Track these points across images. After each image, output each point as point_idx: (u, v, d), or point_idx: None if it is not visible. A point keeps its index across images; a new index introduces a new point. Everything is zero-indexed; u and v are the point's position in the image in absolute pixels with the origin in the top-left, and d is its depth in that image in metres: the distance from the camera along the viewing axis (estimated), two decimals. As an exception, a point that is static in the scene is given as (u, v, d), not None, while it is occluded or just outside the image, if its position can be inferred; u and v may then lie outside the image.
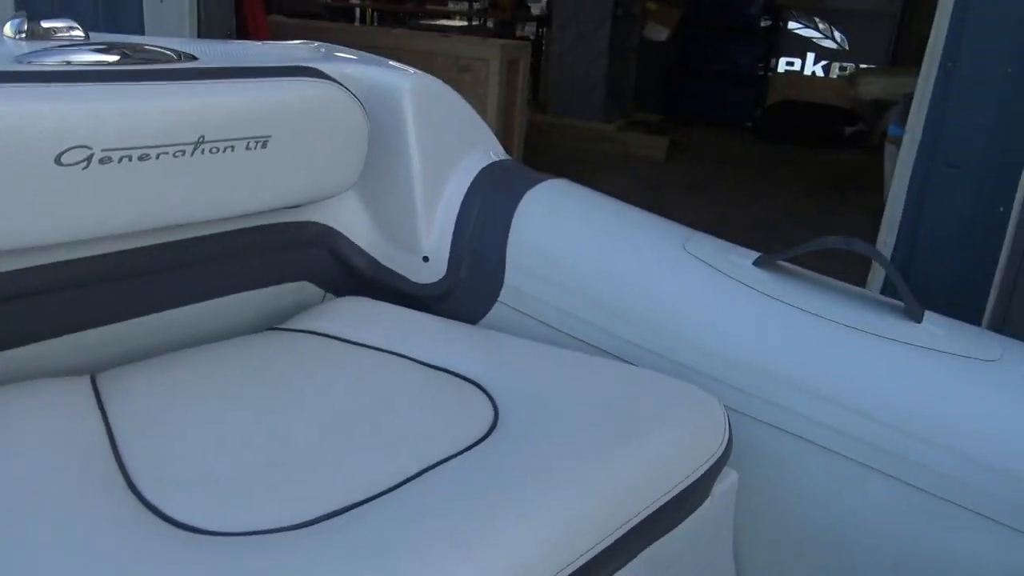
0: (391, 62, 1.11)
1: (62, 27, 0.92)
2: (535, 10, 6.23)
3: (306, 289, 1.03)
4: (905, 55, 5.26)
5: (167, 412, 0.73)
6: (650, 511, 0.74)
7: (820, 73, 5.67)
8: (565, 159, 4.23)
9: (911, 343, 0.94)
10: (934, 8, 1.77)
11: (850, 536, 0.92)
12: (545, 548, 0.64)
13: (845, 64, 5.59)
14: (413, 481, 0.68)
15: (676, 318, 0.99)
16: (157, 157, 0.77)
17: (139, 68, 0.83)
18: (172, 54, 0.90)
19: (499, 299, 1.03)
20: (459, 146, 1.08)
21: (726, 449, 0.84)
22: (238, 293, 0.96)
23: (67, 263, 0.82)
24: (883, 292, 1.12)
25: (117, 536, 0.58)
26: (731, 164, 4.49)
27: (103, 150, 0.74)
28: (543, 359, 0.88)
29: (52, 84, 0.73)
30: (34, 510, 0.59)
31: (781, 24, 5.68)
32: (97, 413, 0.71)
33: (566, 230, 1.05)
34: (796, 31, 5.66)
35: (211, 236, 0.92)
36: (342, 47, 1.17)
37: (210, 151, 0.81)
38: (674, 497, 0.77)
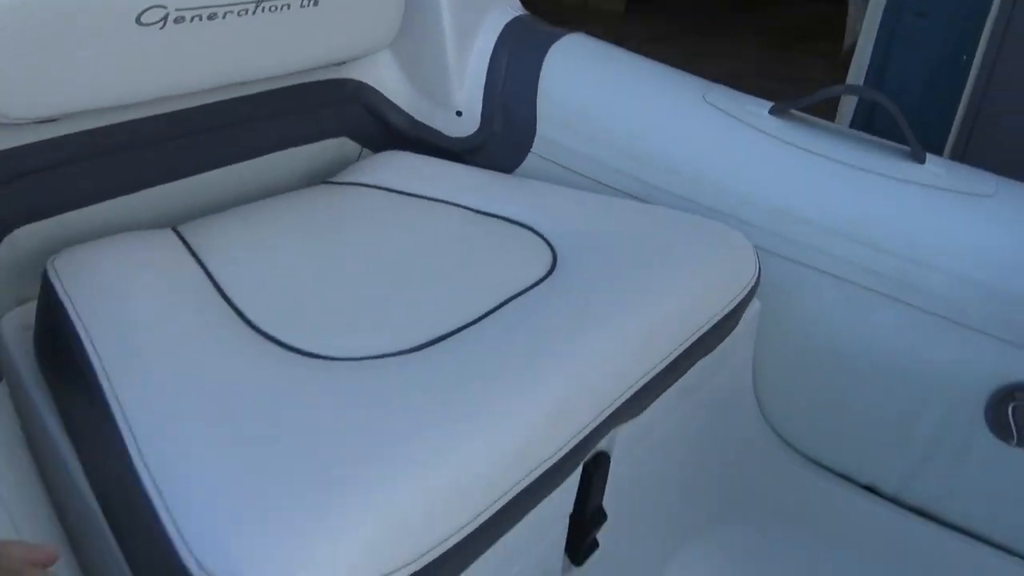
0: None
1: None
2: None
3: (346, 145, 1.06)
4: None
5: (258, 257, 0.78)
6: (694, 339, 0.83)
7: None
8: (521, 13, 4.14)
9: (916, 182, 1.02)
10: None
11: (857, 354, 1.03)
12: (611, 367, 0.72)
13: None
14: (495, 313, 0.75)
15: (699, 163, 1.06)
16: (224, 16, 0.79)
17: None
18: None
19: (531, 150, 1.08)
20: (484, 1, 1.10)
21: (756, 281, 0.93)
22: (286, 149, 0.99)
23: (139, 121, 0.84)
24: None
25: (248, 365, 0.64)
26: (695, 15, 4.46)
27: (177, 10, 0.75)
28: (586, 204, 0.95)
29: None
30: (164, 348, 0.65)
31: None
32: (192, 260, 0.76)
33: (592, 82, 1.09)
34: None
35: (261, 94, 0.94)
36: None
37: (269, 9, 0.83)
38: (713, 326, 0.86)
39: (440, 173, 0.99)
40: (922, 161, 1.06)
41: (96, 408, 0.60)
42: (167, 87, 0.79)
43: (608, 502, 0.82)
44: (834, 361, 1.05)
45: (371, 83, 1.06)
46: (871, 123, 2.10)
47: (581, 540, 0.79)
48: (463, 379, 0.65)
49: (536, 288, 0.79)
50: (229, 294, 0.73)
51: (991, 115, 2.00)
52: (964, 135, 2.04)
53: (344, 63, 1.03)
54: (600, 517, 0.80)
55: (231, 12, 0.79)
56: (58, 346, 0.67)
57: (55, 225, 0.81)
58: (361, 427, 0.58)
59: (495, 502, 0.59)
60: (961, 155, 2.02)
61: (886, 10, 2.16)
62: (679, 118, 1.08)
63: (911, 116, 1.09)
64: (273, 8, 0.83)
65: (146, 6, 0.73)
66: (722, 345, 0.93)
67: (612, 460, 0.79)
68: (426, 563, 0.53)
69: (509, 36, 1.10)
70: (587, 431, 0.68)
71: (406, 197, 0.94)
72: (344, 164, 1.07)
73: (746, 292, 0.91)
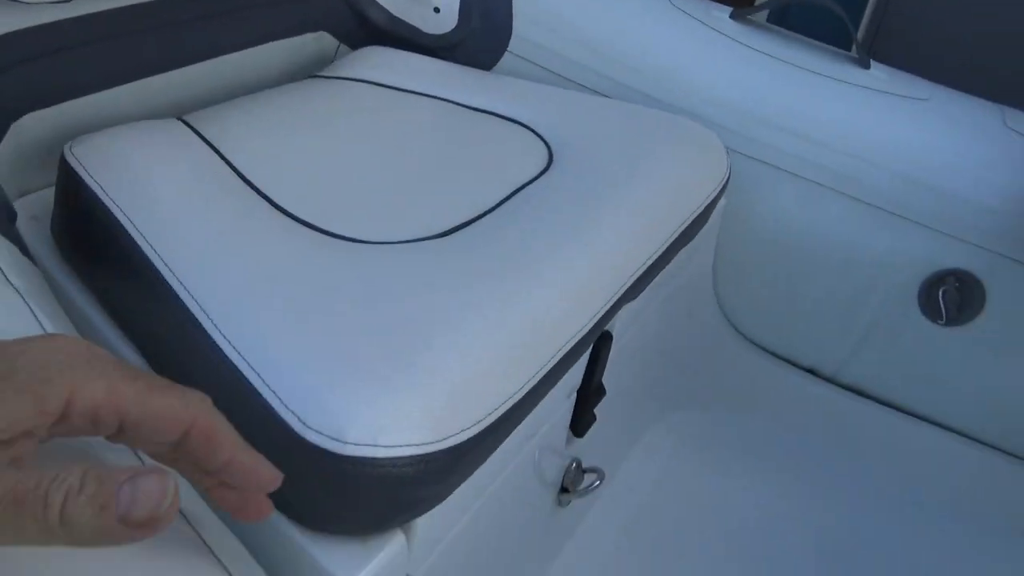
0: None
1: None
2: None
3: (324, 40, 1.05)
4: None
5: (273, 145, 0.79)
6: (682, 229, 0.89)
7: None
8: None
9: (863, 85, 1.11)
10: None
11: (806, 247, 1.12)
12: (621, 252, 0.78)
13: None
14: (508, 202, 0.79)
15: (666, 64, 1.11)
16: None
17: None
18: None
19: (509, 49, 1.10)
20: None
21: (728, 178, 1.00)
22: (268, 43, 0.97)
23: (139, 7, 0.81)
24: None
25: (293, 246, 0.66)
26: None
27: None
28: (573, 102, 0.99)
29: None
30: (208, 230, 0.65)
31: None
32: (208, 148, 0.76)
33: None
34: None
35: None
36: None
37: None
38: (696, 218, 0.92)
39: (427, 69, 1.00)
40: (867, 67, 1.15)
41: (155, 293, 0.60)
42: None
43: (605, 379, 0.88)
44: (786, 254, 1.14)
45: (349, -24, 1.05)
46: (811, 28, 2.21)
47: (584, 413, 0.86)
48: (500, 259, 0.69)
49: (540, 180, 0.83)
50: (255, 182, 0.73)
51: (897, 12, 2.12)
52: (871, 32, 2.16)
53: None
54: (601, 392, 0.87)
55: None
56: (91, 233, 0.66)
57: (58, 114, 0.78)
58: (422, 299, 0.61)
59: (539, 371, 0.64)
60: (869, 50, 2.15)
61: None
62: (648, 20, 1.12)
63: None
64: None
65: None
66: (697, 238, 1.00)
67: (613, 339, 0.85)
68: (490, 423, 0.58)
69: None
70: (605, 309, 0.73)
71: (399, 92, 0.95)
72: (322, 60, 1.06)
73: (720, 187, 0.97)
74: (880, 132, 1.09)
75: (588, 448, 0.94)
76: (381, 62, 0.99)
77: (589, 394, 0.84)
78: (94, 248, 0.67)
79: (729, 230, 1.13)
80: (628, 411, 1.10)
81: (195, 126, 0.79)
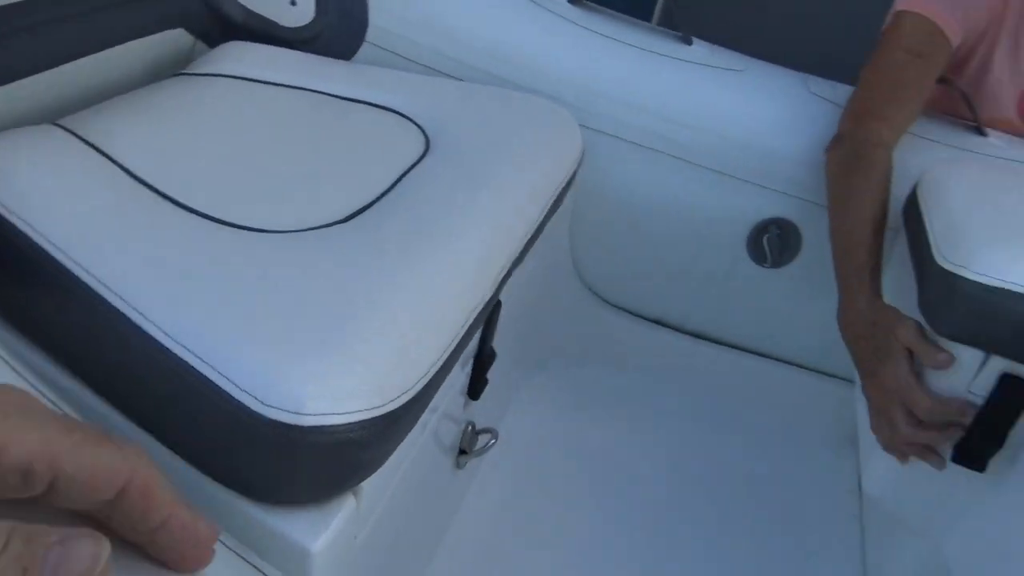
0: None
1: None
2: None
3: (181, 37, 1.05)
4: None
5: (160, 146, 0.80)
6: (552, 200, 0.98)
7: None
8: None
9: (689, 60, 1.24)
10: None
11: (651, 210, 1.25)
12: (508, 223, 0.86)
13: None
14: (397, 186, 0.84)
15: (517, 48, 1.19)
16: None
17: None
18: None
19: (366, 39, 1.14)
20: None
21: (583, 152, 1.10)
22: (126, 43, 0.97)
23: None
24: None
25: (208, 245, 0.68)
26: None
27: None
28: (441, 88, 1.05)
29: None
30: (119, 241, 0.66)
31: None
32: (92, 149, 0.76)
33: None
34: None
35: None
36: None
37: None
38: (561, 190, 1.02)
39: (292, 61, 1.02)
40: (690, 43, 1.28)
41: (81, 303, 0.60)
42: None
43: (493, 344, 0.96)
44: (630, 217, 1.26)
45: (202, -29, 1.05)
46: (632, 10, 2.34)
47: (479, 377, 0.93)
48: (405, 238, 0.74)
49: (422, 164, 0.89)
50: (149, 180, 0.74)
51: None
52: (668, 6, 2.34)
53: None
54: (492, 356, 0.94)
55: None
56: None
57: None
58: (346, 278, 0.66)
59: (456, 336, 0.71)
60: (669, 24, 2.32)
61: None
62: (497, 7, 1.20)
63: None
64: None
65: None
66: (562, 207, 1.09)
67: (502, 306, 0.93)
68: (424, 384, 0.65)
69: None
70: (501, 276, 0.81)
71: (270, 86, 0.97)
72: (179, 57, 1.06)
73: (579, 161, 1.07)
74: (706, 101, 1.22)
75: (481, 410, 1.02)
76: (246, 57, 1.00)
77: (483, 359, 0.92)
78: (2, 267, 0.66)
79: (579, 199, 1.24)
80: (510, 371, 1.19)
81: (75, 131, 0.78)
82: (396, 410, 0.61)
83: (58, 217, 0.66)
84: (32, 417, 0.32)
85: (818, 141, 1.20)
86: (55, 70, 0.89)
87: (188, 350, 0.58)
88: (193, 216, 0.71)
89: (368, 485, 0.64)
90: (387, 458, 0.65)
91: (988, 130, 1.26)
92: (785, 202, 1.22)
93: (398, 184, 0.84)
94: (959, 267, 0.82)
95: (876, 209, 1.02)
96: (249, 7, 1.09)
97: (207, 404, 0.56)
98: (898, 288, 1.01)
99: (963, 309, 0.82)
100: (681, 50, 1.26)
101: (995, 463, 0.86)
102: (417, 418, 0.68)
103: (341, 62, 1.07)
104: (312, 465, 0.58)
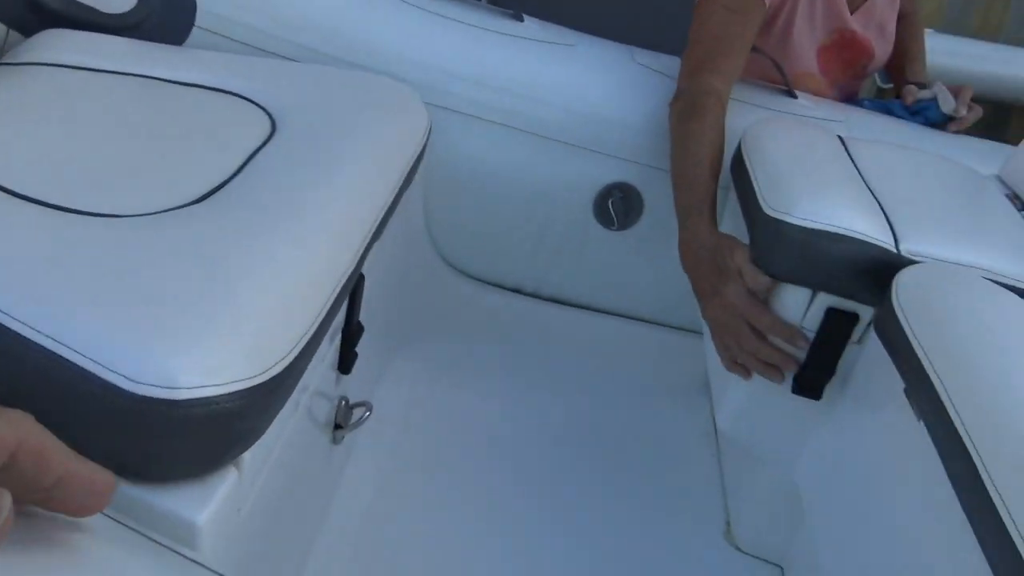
0: None
1: None
2: None
3: (-6, 27, 0.99)
4: None
5: None
6: (404, 176, 0.99)
7: None
8: None
9: (523, 36, 1.29)
10: None
11: (501, 182, 1.29)
12: (364, 198, 0.86)
13: None
14: (246, 167, 0.83)
15: (357, 29, 1.20)
16: None
17: None
18: None
19: (196, 24, 1.11)
20: None
21: (429, 128, 1.12)
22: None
23: None
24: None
25: (57, 234, 0.65)
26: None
27: None
28: (282, 70, 1.04)
29: None
30: None
31: None
32: None
33: None
34: None
35: None
36: None
37: None
38: (412, 165, 1.03)
39: (119, 48, 0.98)
40: (521, 20, 1.32)
41: None
42: None
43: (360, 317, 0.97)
44: (481, 190, 1.30)
45: (11, -44, 0.99)
46: None
47: (348, 351, 0.94)
48: (263, 215, 0.74)
49: (270, 145, 0.88)
50: None
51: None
52: None
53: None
54: (360, 330, 0.95)
55: None
56: None
57: None
58: (209, 255, 0.65)
59: (324, 306, 0.72)
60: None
61: None
62: None
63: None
64: None
65: None
66: (414, 182, 1.11)
67: (366, 279, 0.94)
68: (298, 353, 0.65)
69: None
70: (363, 249, 0.82)
71: (96, 73, 0.93)
72: (-8, 48, 1.00)
73: (426, 137, 1.09)
74: (542, 74, 1.27)
75: (353, 385, 1.02)
76: (68, 44, 0.96)
77: (351, 332, 0.92)
78: None
79: (430, 175, 1.26)
80: (379, 346, 1.19)
81: None
82: (272, 379, 0.61)
83: None
84: None
85: (647, 108, 1.27)
86: None
87: (52, 339, 0.56)
88: (38, 207, 0.68)
89: (249, 456, 0.64)
90: (266, 428, 0.65)
91: (798, 92, 1.38)
92: (624, 167, 1.28)
93: (248, 165, 0.83)
94: (783, 214, 0.90)
95: (711, 149, 1.09)
96: (67, -6, 1.04)
97: (79, 390, 0.55)
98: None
99: (789, 251, 0.90)
100: (515, 27, 1.30)
101: (829, 391, 0.96)
102: (292, 388, 0.68)
103: (172, 47, 1.04)
104: (191, 439, 0.57)
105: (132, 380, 0.54)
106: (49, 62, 0.92)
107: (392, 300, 1.22)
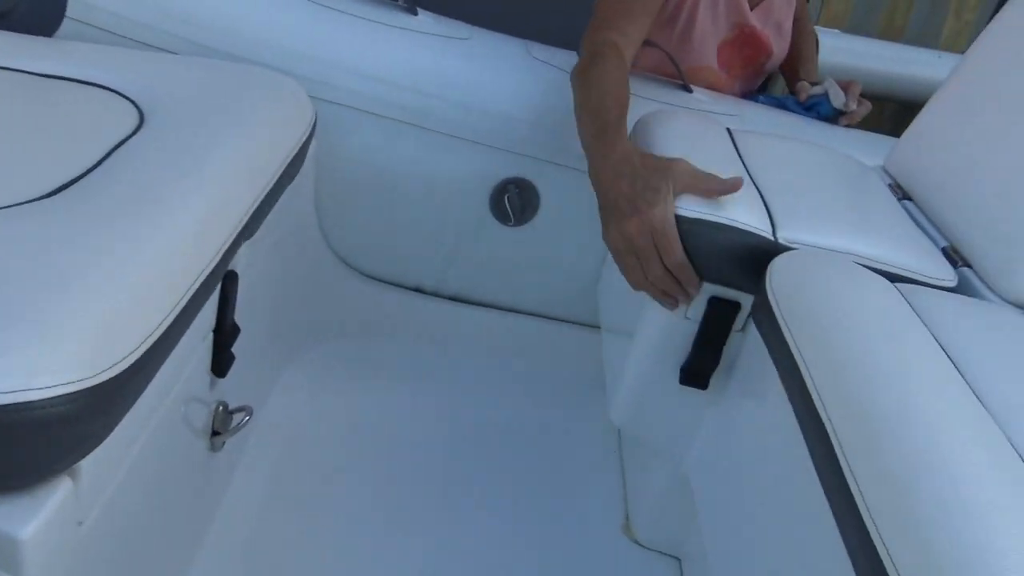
0: None
1: None
2: None
3: None
4: None
5: None
6: (282, 170, 0.97)
7: None
8: None
9: (416, 30, 1.27)
10: None
11: (394, 178, 1.26)
12: (231, 193, 0.83)
13: None
14: (107, 160, 0.80)
15: (239, 20, 1.16)
16: None
17: None
18: None
19: (68, 15, 1.06)
20: None
21: (314, 122, 1.09)
22: None
23: None
24: None
25: None
26: None
27: None
28: (154, 61, 1.00)
29: None
30: None
31: None
32: None
33: None
34: None
35: None
36: None
37: None
38: (292, 160, 1.00)
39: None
40: (415, 14, 1.30)
41: None
42: None
43: (239, 318, 0.94)
44: (376, 187, 1.27)
45: None
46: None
47: (222, 353, 0.90)
48: (114, 209, 0.71)
49: (135, 138, 0.85)
50: None
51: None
52: None
53: None
54: (235, 331, 0.92)
55: None
56: None
57: None
58: (45, 251, 0.62)
59: (176, 305, 0.69)
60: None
61: None
62: None
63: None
64: None
65: None
66: (296, 179, 1.08)
67: (239, 278, 0.91)
68: (139, 355, 0.62)
69: None
70: (226, 246, 0.79)
71: None
72: None
73: (310, 130, 1.06)
74: (435, 68, 1.25)
75: (233, 389, 0.99)
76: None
77: (224, 333, 0.89)
78: None
79: (323, 172, 1.23)
80: (267, 348, 1.16)
81: None
82: (106, 383, 0.58)
83: None
84: None
85: (543, 102, 1.27)
86: None
87: None
88: None
89: (89, 465, 0.61)
90: (107, 435, 0.61)
91: (694, 87, 1.39)
92: (520, 162, 1.27)
93: (108, 159, 0.80)
94: None
95: (616, 87, 1.05)
96: (-80, -18, 0.98)
97: None
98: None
99: None
100: (408, 20, 1.28)
101: (715, 381, 0.96)
102: (139, 392, 0.65)
103: (39, 39, 0.99)
104: (15, 446, 0.54)
105: None
106: None
107: (283, 300, 1.19)
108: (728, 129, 1.14)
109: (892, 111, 2.37)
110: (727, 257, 0.89)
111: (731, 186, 0.90)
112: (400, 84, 1.22)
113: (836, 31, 2.37)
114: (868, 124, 1.62)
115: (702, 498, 0.99)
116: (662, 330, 0.96)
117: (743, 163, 1.02)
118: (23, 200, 0.70)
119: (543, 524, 1.18)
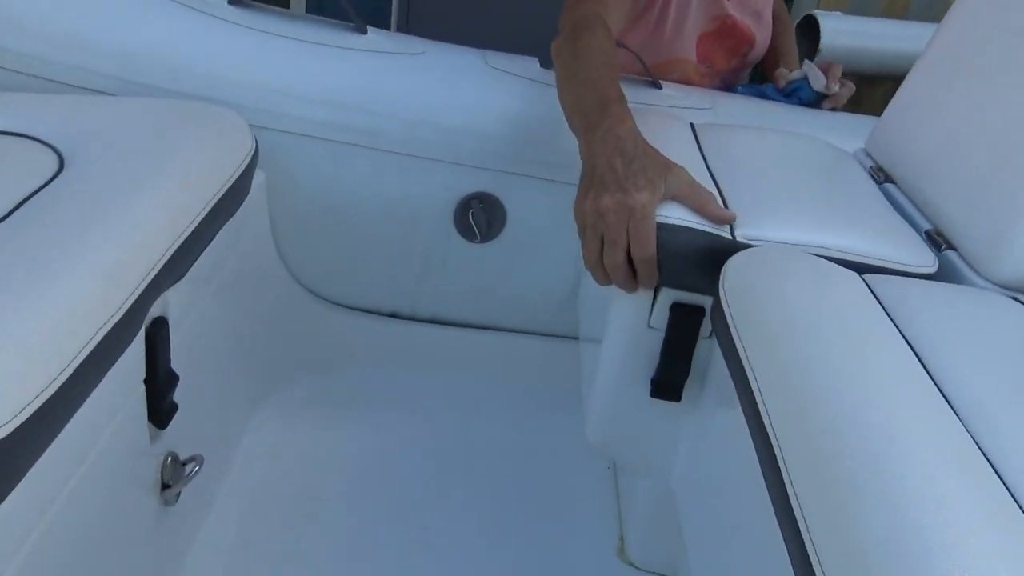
0: None
1: None
2: None
3: None
4: None
5: None
6: (212, 205, 0.92)
7: None
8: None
9: (363, 49, 1.22)
10: None
11: (352, 203, 1.22)
12: (148, 236, 0.79)
13: None
14: (16, 212, 0.76)
15: (174, 55, 1.13)
16: None
17: None
18: None
19: (-5, 65, 1.04)
20: None
21: (255, 152, 1.05)
22: None
23: None
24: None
25: None
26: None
27: None
28: (78, 105, 0.96)
29: None
30: None
31: None
32: None
33: None
34: None
35: None
36: None
37: None
38: (226, 192, 0.96)
39: None
40: (365, 32, 1.26)
41: None
42: None
43: (178, 365, 0.89)
44: (336, 214, 1.23)
45: None
46: (322, 9, 2.31)
47: (160, 403, 0.86)
48: (10, 263, 0.67)
49: (51, 186, 0.81)
50: None
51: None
52: (404, 11, 2.35)
53: None
54: (173, 379, 0.87)
55: None
56: None
57: None
58: None
59: (74, 359, 0.64)
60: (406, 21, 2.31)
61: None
62: (141, 13, 1.13)
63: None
64: None
65: None
66: (238, 213, 1.04)
67: (170, 324, 0.86)
68: (27, 417, 0.58)
69: None
70: (140, 291, 0.75)
71: None
72: None
73: (248, 161, 1.02)
74: (387, 87, 1.21)
75: (185, 439, 0.95)
76: None
77: (158, 383, 0.85)
78: None
79: (277, 202, 1.19)
80: (226, 394, 1.11)
81: None
82: None
83: None
84: None
85: (503, 112, 1.22)
86: None
87: None
88: None
89: None
90: (4, 496, 0.57)
91: (664, 83, 1.33)
92: (483, 176, 1.22)
93: (17, 210, 0.76)
94: None
95: (607, 56, 0.98)
96: None
97: None
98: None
99: None
100: (357, 40, 1.24)
101: (688, 392, 0.90)
102: (39, 451, 0.61)
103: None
104: None
105: None
106: None
107: (242, 340, 1.15)
108: (692, 124, 1.08)
109: (890, 89, 2.28)
110: (685, 260, 0.83)
111: (726, 218, 0.83)
112: (349, 106, 1.18)
113: (838, 13, 2.29)
114: (871, 107, 1.55)
115: (685, 514, 0.93)
116: (628, 341, 0.90)
117: (704, 159, 0.96)
118: None
119: (536, 552, 1.12)
